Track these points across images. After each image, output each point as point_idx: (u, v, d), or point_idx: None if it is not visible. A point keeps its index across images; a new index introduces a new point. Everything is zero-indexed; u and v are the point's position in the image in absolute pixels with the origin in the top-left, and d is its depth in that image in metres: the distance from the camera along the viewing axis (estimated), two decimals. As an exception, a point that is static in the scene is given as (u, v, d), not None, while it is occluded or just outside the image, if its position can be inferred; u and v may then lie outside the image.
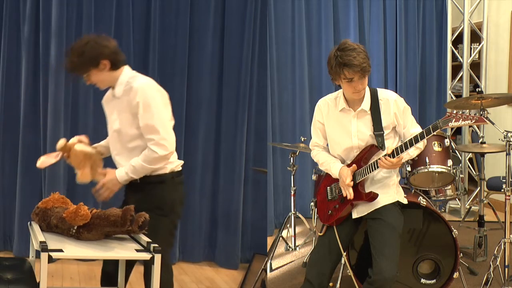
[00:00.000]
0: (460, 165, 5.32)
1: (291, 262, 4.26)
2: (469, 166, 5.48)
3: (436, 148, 3.62)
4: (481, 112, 3.63)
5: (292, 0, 5.25)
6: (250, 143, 4.75)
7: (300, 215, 4.53)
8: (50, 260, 2.25)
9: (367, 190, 2.80)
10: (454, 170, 3.63)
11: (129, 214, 2.45)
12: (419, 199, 3.19)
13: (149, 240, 2.48)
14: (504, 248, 3.32)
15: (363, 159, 2.80)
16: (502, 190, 3.34)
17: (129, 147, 2.74)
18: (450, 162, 3.62)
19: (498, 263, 3.37)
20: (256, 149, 4.78)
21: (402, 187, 3.04)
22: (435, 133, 2.63)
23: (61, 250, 2.32)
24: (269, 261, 4.12)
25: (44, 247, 2.26)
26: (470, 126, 5.33)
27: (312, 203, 3.67)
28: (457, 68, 5.69)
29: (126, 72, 2.79)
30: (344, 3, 5.45)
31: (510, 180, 3.29)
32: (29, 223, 2.75)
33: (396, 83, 5.63)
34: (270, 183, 5.04)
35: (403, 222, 2.82)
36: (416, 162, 3.60)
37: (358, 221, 2.88)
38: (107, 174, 2.77)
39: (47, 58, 4.36)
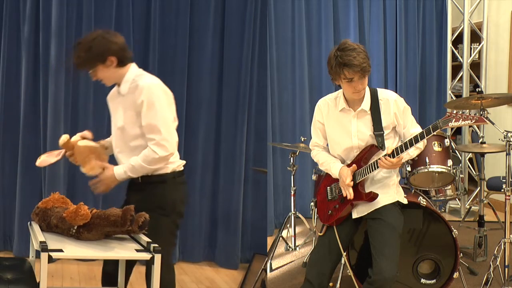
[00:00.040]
0: (460, 165, 5.32)
1: (291, 262, 4.26)
2: (469, 166, 5.48)
3: (436, 148, 3.62)
4: (481, 112, 3.63)
5: (292, 0, 5.25)
6: (250, 143, 4.75)
7: (300, 215, 4.53)
8: (50, 260, 2.24)
9: (367, 190, 2.80)
10: (454, 170, 3.63)
11: (129, 214, 2.44)
12: (419, 199, 3.19)
13: (149, 240, 2.48)
14: (504, 248, 3.32)
15: (363, 159, 2.80)
16: (502, 190, 3.34)
17: (132, 145, 2.73)
18: (450, 162, 3.62)
19: (498, 263, 3.37)
20: (256, 149, 4.78)
21: (402, 187, 3.04)
22: (435, 133, 2.63)
23: (61, 250, 2.32)
24: (269, 261, 4.12)
25: (44, 247, 2.25)
26: (470, 126, 5.32)
27: (312, 203, 3.67)
28: (457, 68, 5.69)
29: (133, 70, 2.78)
30: (344, 3, 5.45)
31: (510, 180, 3.29)
32: (29, 223, 2.75)
33: (396, 83, 5.63)
34: (270, 183, 5.04)
35: (403, 222, 2.82)
36: (416, 162, 3.60)
37: (358, 221, 2.88)
38: (106, 169, 2.75)
39: (47, 58, 4.36)
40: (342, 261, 3.17)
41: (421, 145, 2.79)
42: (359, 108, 2.80)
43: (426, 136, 2.61)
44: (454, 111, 2.55)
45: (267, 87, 4.95)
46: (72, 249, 2.39)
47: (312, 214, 3.86)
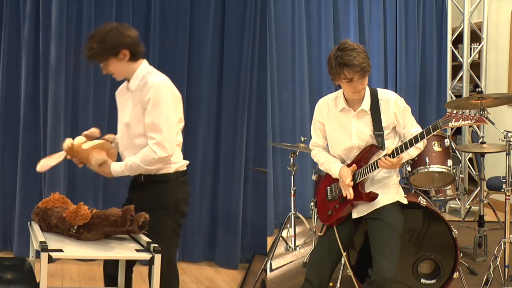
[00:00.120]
0: (460, 165, 5.32)
1: (291, 262, 4.26)
2: (469, 166, 5.48)
3: (436, 148, 3.62)
4: (481, 112, 3.63)
5: (292, 0, 5.25)
6: (250, 143, 4.75)
7: (300, 215, 4.53)
8: (50, 260, 2.24)
9: (367, 190, 2.80)
10: (454, 170, 3.63)
11: (129, 214, 2.44)
12: (419, 199, 3.19)
13: (149, 240, 2.47)
14: (504, 248, 3.32)
15: (363, 159, 2.80)
16: (502, 190, 3.34)
17: (136, 143, 2.69)
18: (450, 162, 3.62)
19: (498, 263, 3.37)
20: (256, 149, 4.77)
21: (402, 187, 3.04)
22: (435, 133, 2.63)
23: (61, 250, 2.32)
24: (269, 261, 4.12)
25: (44, 247, 2.25)
26: (470, 126, 5.32)
27: (312, 203, 3.67)
28: (457, 68, 5.69)
29: (144, 66, 2.75)
30: (344, 3, 5.45)
31: (510, 180, 3.29)
32: (29, 223, 2.75)
33: (396, 83, 5.63)
34: (270, 183, 5.04)
35: (403, 222, 2.82)
36: (416, 162, 3.60)
37: (358, 221, 2.88)
38: (104, 164, 2.72)
39: (47, 58, 4.36)
40: (342, 261, 3.17)
41: (421, 145, 2.79)
42: (359, 108, 2.80)
43: (426, 136, 2.61)
44: (454, 111, 2.55)
45: (267, 87, 4.95)
46: (72, 249, 2.39)
47: (312, 214, 3.86)
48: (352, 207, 2.83)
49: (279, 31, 5.21)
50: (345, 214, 2.86)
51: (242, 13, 4.63)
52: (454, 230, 3.14)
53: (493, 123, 3.28)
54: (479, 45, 5.57)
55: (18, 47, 4.42)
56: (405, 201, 2.91)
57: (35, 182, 4.43)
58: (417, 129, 2.80)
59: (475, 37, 5.58)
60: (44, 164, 2.77)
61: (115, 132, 2.93)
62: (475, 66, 5.63)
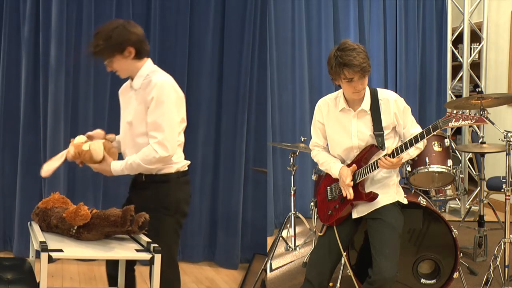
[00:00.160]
0: (460, 165, 5.32)
1: (291, 262, 4.26)
2: (469, 166, 5.48)
3: (436, 148, 3.62)
4: (481, 112, 3.63)
5: (292, 0, 5.25)
6: (250, 143, 4.75)
7: (300, 215, 4.53)
8: (50, 260, 2.24)
9: (367, 190, 2.80)
10: (454, 170, 3.63)
11: (129, 214, 2.44)
12: (419, 199, 3.19)
13: (149, 240, 2.47)
14: (504, 248, 3.32)
15: (363, 159, 2.80)
16: (502, 190, 3.34)
17: (138, 142, 2.68)
18: (450, 162, 3.62)
19: (498, 263, 3.37)
20: (256, 149, 4.77)
21: (402, 187, 3.04)
22: (435, 133, 2.63)
23: (61, 250, 2.32)
24: (269, 261, 4.12)
25: (44, 247, 2.25)
26: (470, 126, 5.32)
27: (312, 203, 3.68)
28: (457, 68, 5.69)
29: (148, 65, 2.74)
30: (344, 3, 5.45)
31: (510, 180, 3.29)
32: (29, 223, 2.74)
33: (396, 83, 5.63)
34: (270, 183, 5.04)
35: (403, 222, 2.82)
36: (416, 162, 3.60)
37: (358, 221, 2.88)
38: (104, 161, 2.72)
39: (47, 58, 4.36)
40: (342, 261, 3.17)
41: (421, 145, 2.79)
42: (359, 108, 2.80)
43: (426, 136, 2.61)
44: (454, 111, 2.55)
45: (267, 87, 4.95)
46: (72, 249, 2.39)
47: (312, 214, 3.86)
48: (352, 207, 2.83)
49: (279, 31, 5.21)
50: (345, 214, 2.86)
51: (242, 13, 4.63)
52: (454, 230, 3.14)
53: (493, 123, 3.28)
54: (479, 45, 5.57)
55: (18, 47, 4.43)
56: (405, 201, 2.91)
57: (35, 182, 4.43)
58: (417, 129, 2.80)
59: (475, 37, 5.59)
60: (48, 168, 2.76)
61: (115, 132, 2.93)
62: (475, 66, 5.63)
